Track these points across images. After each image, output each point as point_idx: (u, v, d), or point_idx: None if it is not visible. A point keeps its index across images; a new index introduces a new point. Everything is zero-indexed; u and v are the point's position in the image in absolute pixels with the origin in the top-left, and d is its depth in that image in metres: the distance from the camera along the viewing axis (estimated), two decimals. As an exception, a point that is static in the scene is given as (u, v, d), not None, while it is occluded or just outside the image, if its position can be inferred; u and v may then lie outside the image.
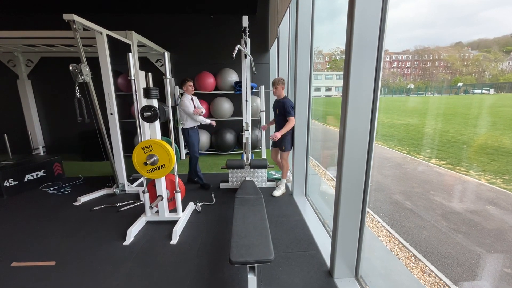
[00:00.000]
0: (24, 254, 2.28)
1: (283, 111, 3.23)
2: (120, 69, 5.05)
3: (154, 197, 2.75)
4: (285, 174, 3.53)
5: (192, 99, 3.62)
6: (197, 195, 3.48)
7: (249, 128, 3.60)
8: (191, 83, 3.54)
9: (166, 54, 2.56)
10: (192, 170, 3.79)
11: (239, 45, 3.13)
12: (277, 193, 3.45)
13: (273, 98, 6.01)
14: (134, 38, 3.87)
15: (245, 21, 3.33)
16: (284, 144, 3.32)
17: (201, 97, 5.77)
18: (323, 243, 2.35)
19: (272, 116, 4.40)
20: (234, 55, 3.06)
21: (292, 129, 3.28)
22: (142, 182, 3.89)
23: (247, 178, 3.64)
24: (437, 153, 4.83)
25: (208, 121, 3.66)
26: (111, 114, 3.44)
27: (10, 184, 3.58)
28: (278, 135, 3.20)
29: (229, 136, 5.70)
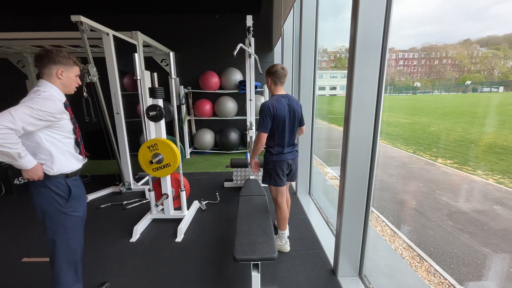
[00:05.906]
0: (34, 250, 2.34)
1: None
2: (126, 69, 5.11)
3: (159, 195, 2.79)
4: (280, 222, 2.21)
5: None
6: (202, 194, 3.51)
7: (253, 127, 3.61)
8: (76, 69, 1.51)
9: (171, 54, 2.59)
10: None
11: (241, 44, 3.13)
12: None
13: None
14: (139, 39, 3.91)
15: (249, 20, 3.33)
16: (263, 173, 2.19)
17: (205, 96, 5.82)
18: (327, 241, 2.36)
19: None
20: (235, 53, 3.01)
21: (269, 153, 2.06)
22: (147, 180, 3.94)
23: (251, 177, 3.66)
24: (444, 152, 4.77)
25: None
26: (117, 113, 3.49)
27: (20, 182, 3.66)
28: (252, 162, 2.23)
29: (233, 135, 5.72)
